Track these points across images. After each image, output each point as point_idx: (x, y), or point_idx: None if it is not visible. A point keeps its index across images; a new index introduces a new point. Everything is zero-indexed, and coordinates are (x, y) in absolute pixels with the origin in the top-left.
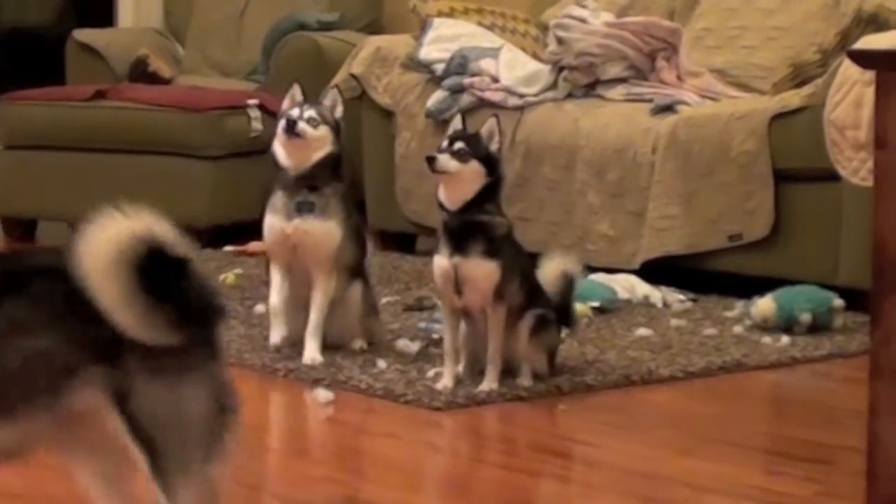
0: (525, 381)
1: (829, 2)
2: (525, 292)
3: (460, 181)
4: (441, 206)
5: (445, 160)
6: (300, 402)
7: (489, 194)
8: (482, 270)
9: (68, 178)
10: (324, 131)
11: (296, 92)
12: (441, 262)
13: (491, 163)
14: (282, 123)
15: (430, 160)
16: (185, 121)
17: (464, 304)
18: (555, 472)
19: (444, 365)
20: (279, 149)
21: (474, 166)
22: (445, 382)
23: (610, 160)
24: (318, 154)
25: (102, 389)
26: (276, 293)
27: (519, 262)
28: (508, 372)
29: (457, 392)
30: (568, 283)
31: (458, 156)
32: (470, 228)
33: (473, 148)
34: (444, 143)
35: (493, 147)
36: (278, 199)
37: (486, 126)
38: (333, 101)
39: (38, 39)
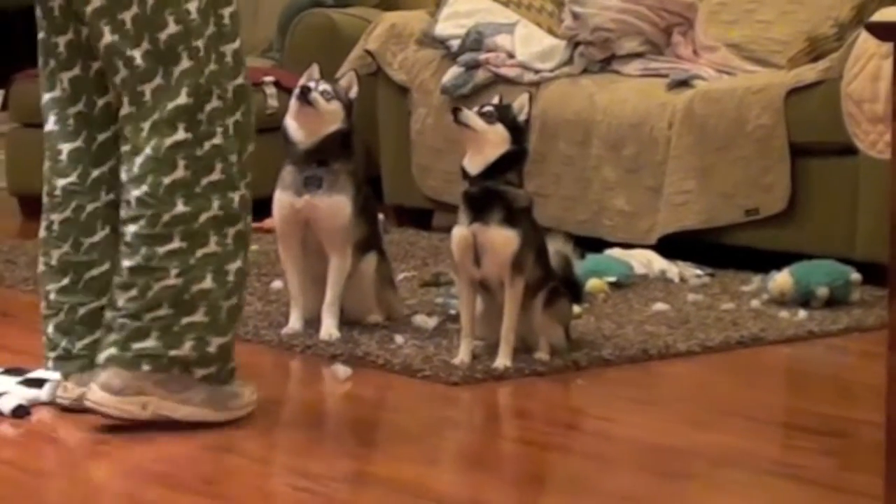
0: (542, 355)
1: None
2: (541, 267)
3: (484, 142)
4: (463, 173)
5: (470, 115)
6: (317, 378)
7: (511, 163)
8: (501, 237)
9: None
10: (335, 106)
11: (314, 71)
12: (460, 230)
13: (517, 131)
14: (295, 92)
15: (456, 110)
16: None
17: (482, 276)
18: (572, 446)
19: (461, 340)
20: (290, 122)
21: (499, 129)
22: (462, 357)
23: (626, 135)
24: (329, 128)
25: None
26: (293, 278)
27: (536, 237)
28: (525, 349)
29: (474, 367)
30: (564, 260)
31: (485, 116)
32: (490, 197)
33: (501, 113)
34: (475, 108)
35: (521, 118)
36: (287, 173)
37: (519, 99)
38: (350, 82)
39: None
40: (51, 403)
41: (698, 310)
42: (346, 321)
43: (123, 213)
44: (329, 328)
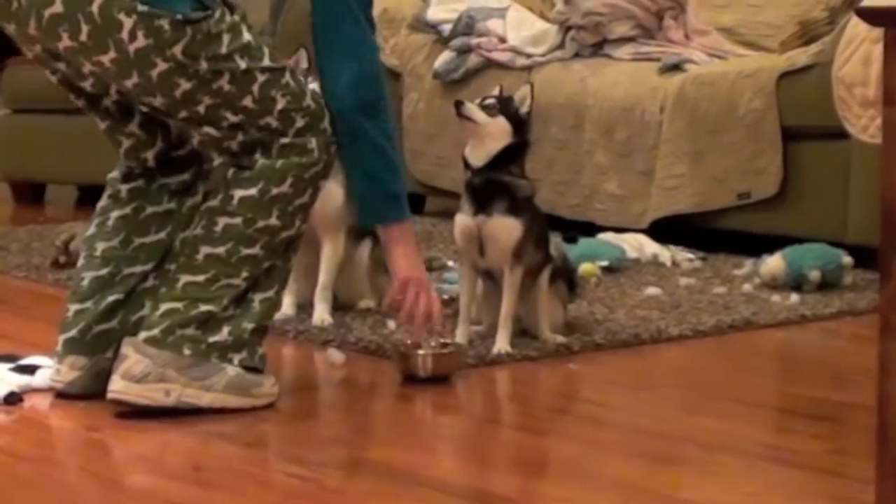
0: (559, 337)
1: None
2: (543, 251)
3: (485, 135)
4: (465, 164)
5: (473, 108)
6: (310, 363)
7: (513, 155)
8: (504, 227)
9: (76, 141)
10: None
11: (301, 58)
12: (464, 220)
13: (519, 124)
14: None
15: (458, 104)
16: None
17: (487, 265)
18: (564, 431)
19: (458, 323)
20: None
21: (501, 122)
22: (459, 341)
23: (618, 119)
24: None
25: None
26: None
27: (538, 223)
28: (522, 332)
29: (467, 352)
30: (562, 257)
31: (487, 109)
32: (493, 188)
33: (503, 106)
34: (477, 100)
35: (523, 111)
36: None
37: (521, 91)
38: None
39: None
40: (43, 390)
41: (690, 294)
42: (339, 306)
43: (219, 204)
44: (321, 313)
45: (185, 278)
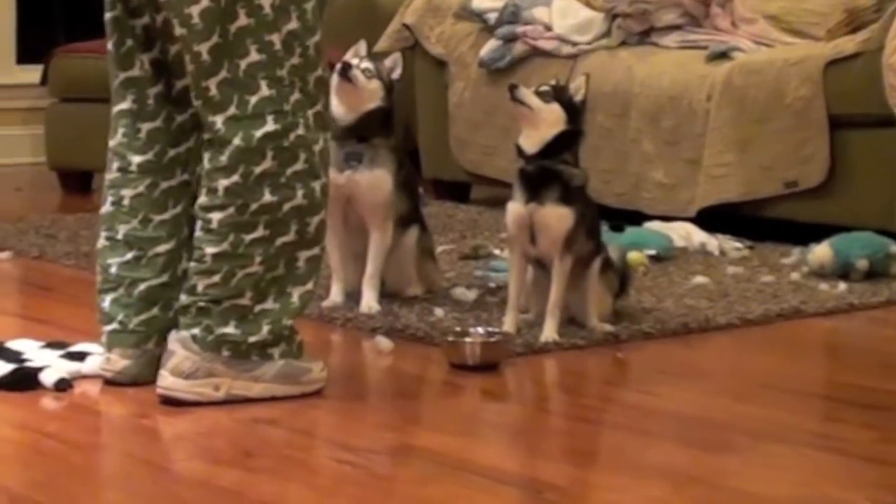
0: (608, 326)
1: None
2: (594, 241)
3: (539, 121)
4: (519, 152)
5: (527, 92)
6: (358, 351)
7: (567, 143)
8: (556, 215)
9: None
10: (376, 85)
11: (360, 47)
12: (517, 208)
13: (573, 112)
14: (337, 66)
15: (513, 87)
16: None
17: (538, 254)
18: (612, 419)
19: (506, 311)
20: (331, 98)
21: (555, 108)
22: (507, 329)
23: (664, 107)
24: (368, 105)
25: None
26: (335, 252)
27: (590, 213)
28: (572, 321)
29: (515, 340)
30: (622, 259)
31: (541, 95)
32: (546, 176)
33: (557, 93)
34: (532, 87)
35: (578, 99)
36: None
37: (577, 81)
38: (394, 63)
39: None
40: (93, 377)
41: (738, 283)
42: (386, 294)
43: (207, 200)
44: (369, 301)
45: (202, 282)
